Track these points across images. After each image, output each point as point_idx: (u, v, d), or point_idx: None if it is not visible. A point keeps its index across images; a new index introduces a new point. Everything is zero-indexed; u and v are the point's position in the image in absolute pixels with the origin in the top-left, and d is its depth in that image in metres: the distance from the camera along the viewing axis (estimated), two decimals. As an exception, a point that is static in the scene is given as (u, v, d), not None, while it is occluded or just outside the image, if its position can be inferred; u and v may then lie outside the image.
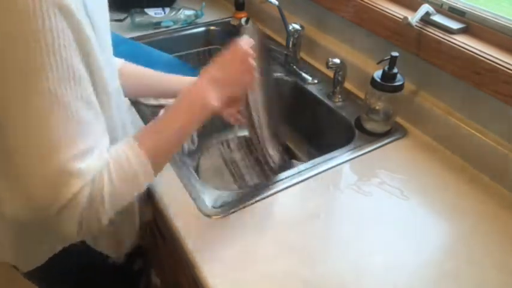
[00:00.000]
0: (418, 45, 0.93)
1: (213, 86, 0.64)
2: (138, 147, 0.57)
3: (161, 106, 1.05)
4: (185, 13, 1.45)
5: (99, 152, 0.54)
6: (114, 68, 0.70)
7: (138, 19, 1.40)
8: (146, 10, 1.42)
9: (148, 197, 0.86)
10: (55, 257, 0.75)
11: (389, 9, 1.00)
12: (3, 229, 0.73)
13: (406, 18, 0.90)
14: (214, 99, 0.64)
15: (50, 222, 0.52)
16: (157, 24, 1.42)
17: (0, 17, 0.46)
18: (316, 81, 1.17)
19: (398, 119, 1.01)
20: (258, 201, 0.81)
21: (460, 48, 0.85)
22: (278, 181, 0.85)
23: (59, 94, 0.49)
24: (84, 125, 0.52)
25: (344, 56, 1.11)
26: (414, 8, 0.94)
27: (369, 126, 0.98)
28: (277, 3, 1.14)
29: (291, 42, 1.19)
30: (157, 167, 0.60)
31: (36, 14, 0.46)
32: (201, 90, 0.64)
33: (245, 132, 1.08)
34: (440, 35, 0.89)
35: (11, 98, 0.49)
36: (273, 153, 0.84)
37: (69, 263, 0.75)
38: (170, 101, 1.01)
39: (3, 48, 0.47)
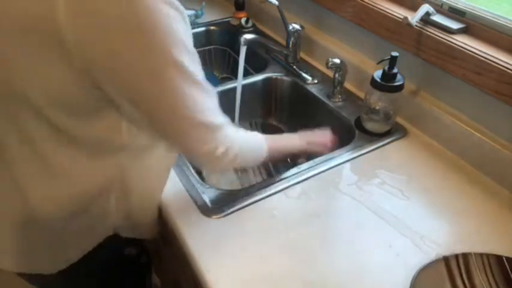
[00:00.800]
0: (418, 45, 0.94)
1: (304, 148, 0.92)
2: (267, 147, 0.80)
3: None
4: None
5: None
6: None
7: (138, 19, 1.40)
8: (146, 10, 1.42)
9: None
10: None
11: (389, 9, 1.00)
12: (23, 236, 0.73)
13: (406, 18, 0.90)
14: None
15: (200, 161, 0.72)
16: (157, 24, 1.42)
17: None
18: (316, 81, 1.17)
19: (398, 119, 1.01)
20: (258, 201, 0.81)
21: (460, 48, 0.85)
22: (278, 181, 0.85)
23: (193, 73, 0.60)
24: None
25: (344, 56, 1.11)
26: (414, 8, 0.94)
27: (369, 126, 0.98)
28: (277, 3, 1.14)
29: (291, 42, 1.19)
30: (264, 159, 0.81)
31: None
32: (299, 146, 0.91)
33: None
34: (440, 35, 0.89)
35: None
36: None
37: (87, 257, 0.76)
38: None
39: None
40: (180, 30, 0.57)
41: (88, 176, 0.69)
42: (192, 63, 0.60)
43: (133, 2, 0.52)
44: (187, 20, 0.61)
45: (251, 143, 0.78)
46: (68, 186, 0.69)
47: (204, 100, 0.63)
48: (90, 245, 0.75)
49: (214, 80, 1.39)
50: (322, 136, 0.95)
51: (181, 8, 0.58)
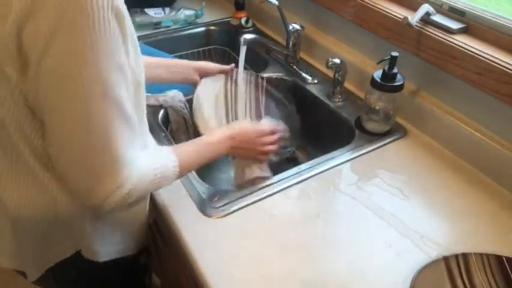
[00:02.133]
0: (418, 45, 0.93)
1: (231, 149, 0.83)
2: (176, 161, 0.70)
3: (161, 106, 1.05)
4: (185, 13, 1.45)
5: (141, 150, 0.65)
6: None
7: (138, 19, 1.40)
8: (146, 10, 1.42)
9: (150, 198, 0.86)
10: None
11: (389, 9, 1.00)
12: (13, 236, 0.73)
13: (406, 18, 0.90)
14: (228, 152, 0.84)
15: (93, 205, 0.61)
16: (157, 24, 1.43)
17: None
18: (316, 81, 1.17)
19: (399, 119, 1.01)
20: (258, 201, 0.81)
21: (460, 48, 0.85)
22: (278, 181, 0.85)
23: (116, 91, 0.55)
24: (133, 122, 0.60)
25: (344, 56, 1.11)
26: (414, 8, 0.94)
27: (369, 126, 0.98)
28: (277, 3, 1.14)
29: (291, 42, 1.19)
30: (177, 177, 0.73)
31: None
32: (222, 148, 0.81)
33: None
34: (440, 35, 0.89)
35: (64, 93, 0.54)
36: None
37: (81, 257, 0.76)
38: (169, 101, 1.02)
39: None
40: (115, 40, 0.53)
41: (51, 188, 0.67)
42: (121, 80, 0.55)
43: None
44: (130, 29, 0.57)
45: (154, 168, 0.67)
46: (38, 194, 0.67)
47: (117, 127, 0.57)
48: (73, 248, 0.74)
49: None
50: (260, 144, 0.85)
51: (126, 20, 0.55)
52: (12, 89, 0.56)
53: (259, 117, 1.01)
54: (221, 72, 1.02)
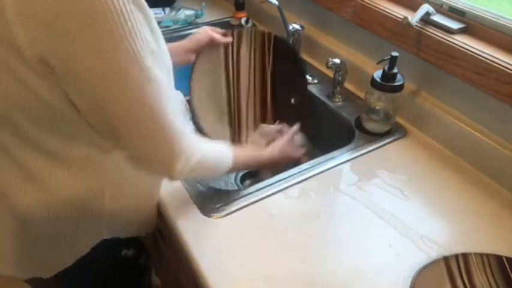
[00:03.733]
0: (418, 45, 0.93)
1: (269, 165, 0.90)
2: (233, 159, 0.77)
3: None
4: (185, 13, 1.45)
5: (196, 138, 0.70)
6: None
7: (138, 19, 1.40)
8: (146, 10, 1.42)
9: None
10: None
11: (390, 9, 1.00)
12: (18, 242, 0.73)
13: (406, 18, 0.90)
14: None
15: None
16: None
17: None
18: (316, 81, 1.17)
19: (399, 119, 1.01)
20: (258, 201, 0.81)
21: (460, 48, 0.85)
22: (278, 181, 0.85)
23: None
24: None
25: (344, 56, 1.11)
26: (414, 8, 0.94)
27: (369, 126, 0.98)
28: (277, 3, 1.14)
29: (291, 42, 1.19)
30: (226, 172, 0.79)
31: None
32: (264, 165, 0.90)
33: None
34: (440, 35, 0.89)
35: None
36: None
37: (84, 259, 0.76)
38: None
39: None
40: (143, 28, 0.56)
41: (70, 185, 0.68)
42: (156, 64, 0.58)
43: None
44: (152, 16, 0.59)
45: (215, 154, 0.75)
46: (51, 194, 0.68)
47: (167, 104, 0.61)
48: (83, 248, 0.75)
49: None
50: (294, 150, 0.93)
51: (146, 8, 0.57)
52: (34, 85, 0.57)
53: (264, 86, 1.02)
54: (213, 43, 0.98)
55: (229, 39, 1.00)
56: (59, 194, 0.69)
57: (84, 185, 0.70)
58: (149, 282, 1.01)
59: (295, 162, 0.92)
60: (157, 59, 0.59)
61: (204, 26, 1.00)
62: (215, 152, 0.75)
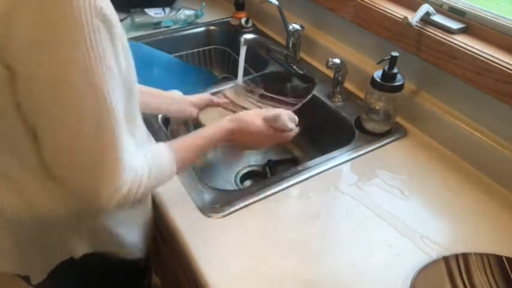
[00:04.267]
0: (418, 45, 0.94)
1: (229, 141, 0.81)
2: (173, 156, 0.70)
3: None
4: (185, 13, 1.45)
5: (137, 150, 0.64)
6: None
7: (138, 19, 1.40)
8: (146, 10, 1.42)
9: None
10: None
11: (389, 9, 1.00)
12: (11, 239, 0.73)
13: (406, 18, 0.90)
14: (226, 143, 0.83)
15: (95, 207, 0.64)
16: (157, 24, 1.43)
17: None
18: (316, 81, 1.17)
19: (399, 119, 1.01)
20: (258, 201, 0.81)
21: (460, 48, 0.85)
22: (278, 181, 0.85)
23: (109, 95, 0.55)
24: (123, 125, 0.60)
25: (344, 56, 1.11)
26: (414, 8, 0.94)
27: (369, 126, 0.98)
28: (277, 3, 1.14)
29: (291, 42, 1.19)
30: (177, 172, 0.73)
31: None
32: (219, 140, 0.80)
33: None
34: (440, 35, 0.89)
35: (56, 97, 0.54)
36: None
37: (80, 261, 0.76)
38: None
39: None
40: (104, 43, 0.53)
41: (40, 198, 0.67)
42: (111, 81, 0.55)
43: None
44: (118, 33, 0.57)
45: (152, 170, 0.67)
46: (26, 202, 0.67)
47: (116, 127, 0.57)
48: (64, 254, 0.74)
49: (214, 80, 1.39)
50: (260, 136, 0.83)
51: (114, 24, 0.55)
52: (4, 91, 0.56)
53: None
54: (212, 103, 1.02)
55: (225, 100, 1.04)
56: (35, 205, 0.68)
57: (58, 203, 0.68)
58: (149, 284, 1.01)
59: (271, 142, 0.86)
60: (114, 78, 0.56)
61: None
62: (155, 167, 0.67)
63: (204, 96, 1.01)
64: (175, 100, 0.98)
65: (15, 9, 0.49)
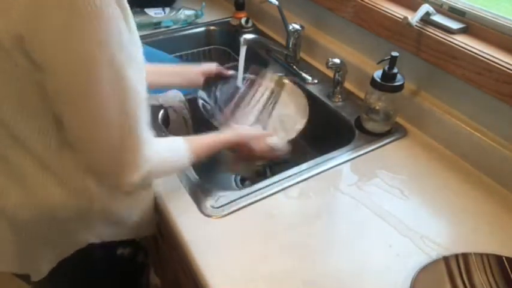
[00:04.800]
0: (418, 45, 0.94)
1: (232, 146, 0.88)
2: (189, 147, 0.75)
3: (161, 106, 1.05)
4: (185, 13, 1.45)
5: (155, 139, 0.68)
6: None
7: (138, 19, 1.40)
8: (146, 10, 1.42)
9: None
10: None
11: (390, 9, 1.00)
12: (14, 239, 0.73)
13: (406, 18, 0.90)
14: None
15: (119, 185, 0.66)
16: (157, 24, 1.43)
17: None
18: (316, 81, 1.17)
19: (399, 119, 1.01)
20: (258, 201, 0.81)
21: (460, 48, 0.85)
22: (278, 181, 0.85)
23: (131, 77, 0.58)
24: (145, 103, 0.63)
25: (344, 56, 1.11)
26: (414, 8, 0.94)
27: (369, 126, 0.98)
28: (277, 3, 1.14)
29: (291, 42, 1.19)
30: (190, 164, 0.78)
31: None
32: (225, 148, 0.86)
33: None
34: (440, 35, 0.89)
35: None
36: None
37: (79, 258, 0.76)
38: (169, 101, 1.03)
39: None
40: (120, 25, 0.55)
41: (54, 191, 0.68)
42: (128, 64, 0.57)
43: None
44: (132, 20, 0.60)
45: (169, 154, 0.72)
46: (34, 197, 0.68)
47: (132, 105, 0.60)
48: (68, 250, 0.75)
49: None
50: (261, 146, 0.89)
51: (127, 9, 0.57)
52: (21, 81, 0.58)
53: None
54: (221, 74, 1.06)
55: (230, 73, 1.08)
56: (41, 198, 0.68)
57: (70, 189, 0.69)
58: (147, 281, 1.01)
59: (261, 159, 0.93)
60: (131, 58, 0.58)
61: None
62: (171, 151, 0.73)
63: (211, 65, 1.05)
64: (185, 74, 1.02)
65: (42, 4, 0.50)
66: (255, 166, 1.08)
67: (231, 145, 0.86)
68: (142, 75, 0.64)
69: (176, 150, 0.74)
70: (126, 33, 0.57)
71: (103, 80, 0.56)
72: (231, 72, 1.07)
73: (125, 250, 0.85)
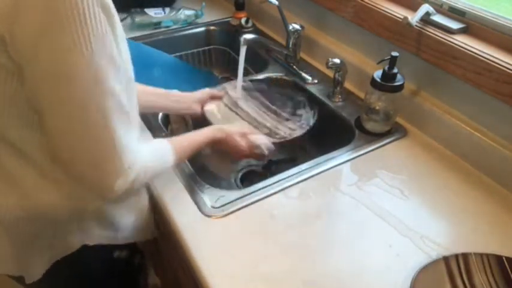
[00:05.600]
0: (418, 45, 0.93)
1: (212, 147, 0.89)
2: (172, 147, 0.75)
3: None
4: (185, 13, 1.45)
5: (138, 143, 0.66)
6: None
7: (138, 19, 1.40)
8: (146, 10, 1.42)
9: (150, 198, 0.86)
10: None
11: (390, 9, 1.00)
12: (8, 241, 0.73)
13: (406, 18, 0.90)
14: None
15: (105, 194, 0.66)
16: (157, 24, 1.43)
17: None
18: (316, 81, 1.17)
19: (398, 119, 1.01)
20: (258, 201, 0.81)
21: (460, 48, 0.85)
22: (278, 181, 0.85)
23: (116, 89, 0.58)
24: (128, 113, 0.62)
25: (344, 56, 1.11)
26: (414, 8, 0.94)
27: (369, 126, 0.98)
28: (277, 3, 1.14)
29: (291, 42, 1.19)
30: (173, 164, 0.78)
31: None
32: (206, 144, 0.86)
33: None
34: (440, 35, 0.89)
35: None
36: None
37: (75, 260, 0.76)
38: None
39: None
40: (105, 32, 0.54)
41: (46, 192, 0.68)
42: (112, 70, 0.56)
43: None
44: (117, 22, 0.58)
45: (154, 157, 0.71)
46: (27, 199, 0.68)
47: (114, 112, 0.58)
48: (61, 252, 0.75)
49: (214, 80, 1.39)
50: (246, 143, 0.89)
51: (112, 13, 0.56)
52: (8, 82, 0.57)
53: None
54: (212, 96, 1.06)
55: (222, 93, 1.08)
56: (35, 200, 0.68)
57: (63, 192, 0.69)
58: (145, 282, 1.00)
59: (246, 156, 0.91)
60: (117, 68, 0.57)
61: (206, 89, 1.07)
62: (156, 156, 0.72)
63: (204, 91, 1.05)
64: (182, 99, 1.01)
65: (20, 4, 0.50)
66: (238, 165, 1.08)
67: (215, 140, 0.86)
68: (128, 84, 0.63)
69: (160, 155, 0.73)
70: (109, 37, 0.55)
71: (81, 85, 0.54)
72: (222, 92, 1.08)
73: (122, 253, 0.85)
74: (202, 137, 0.84)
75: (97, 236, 0.76)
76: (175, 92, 1.01)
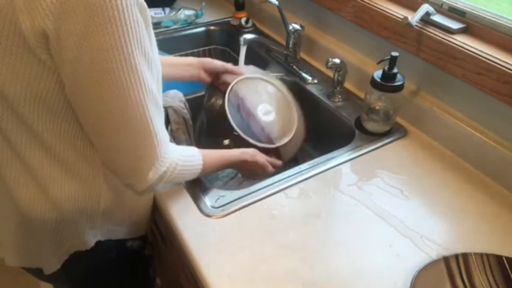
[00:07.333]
0: (418, 45, 0.94)
1: (240, 166, 0.90)
2: (201, 157, 0.76)
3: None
4: (185, 13, 1.45)
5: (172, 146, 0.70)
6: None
7: (138, 19, 1.40)
8: (146, 10, 1.42)
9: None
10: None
11: (390, 9, 1.00)
12: (27, 234, 0.75)
13: (406, 18, 0.90)
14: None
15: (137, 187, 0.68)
16: (157, 24, 1.43)
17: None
18: (316, 81, 1.17)
19: (399, 119, 1.01)
20: (258, 201, 0.81)
21: (460, 48, 0.85)
22: (278, 181, 0.85)
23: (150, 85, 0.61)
24: (161, 107, 0.66)
25: (344, 56, 1.11)
26: (414, 8, 0.94)
27: (369, 126, 0.98)
28: (277, 3, 1.14)
29: (291, 42, 1.19)
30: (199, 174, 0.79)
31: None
32: (233, 166, 0.90)
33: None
34: (440, 35, 0.89)
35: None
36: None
37: (91, 250, 0.78)
38: (169, 101, 1.03)
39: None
40: (142, 31, 0.57)
41: (68, 187, 0.70)
42: (148, 68, 0.60)
43: None
44: (150, 21, 0.61)
45: (186, 158, 0.73)
46: (49, 193, 0.70)
47: (151, 109, 0.62)
48: (76, 247, 0.76)
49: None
50: (265, 166, 0.91)
51: (148, 13, 0.59)
52: (48, 78, 0.59)
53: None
54: (226, 71, 1.02)
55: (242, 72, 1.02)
56: (56, 194, 0.70)
57: (82, 187, 0.71)
58: (154, 274, 1.02)
59: (261, 176, 0.92)
60: (150, 64, 0.60)
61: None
62: (186, 157, 0.73)
63: (215, 63, 1.02)
64: (188, 67, 1.01)
65: (66, 3, 0.52)
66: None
67: (242, 161, 0.87)
68: (157, 77, 0.65)
69: (189, 155, 0.74)
70: (145, 35, 0.58)
71: (120, 80, 0.57)
72: (237, 68, 1.03)
73: (134, 243, 0.86)
74: (232, 156, 0.86)
75: (102, 233, 0.78)
76: (183, 60, 1.02)
